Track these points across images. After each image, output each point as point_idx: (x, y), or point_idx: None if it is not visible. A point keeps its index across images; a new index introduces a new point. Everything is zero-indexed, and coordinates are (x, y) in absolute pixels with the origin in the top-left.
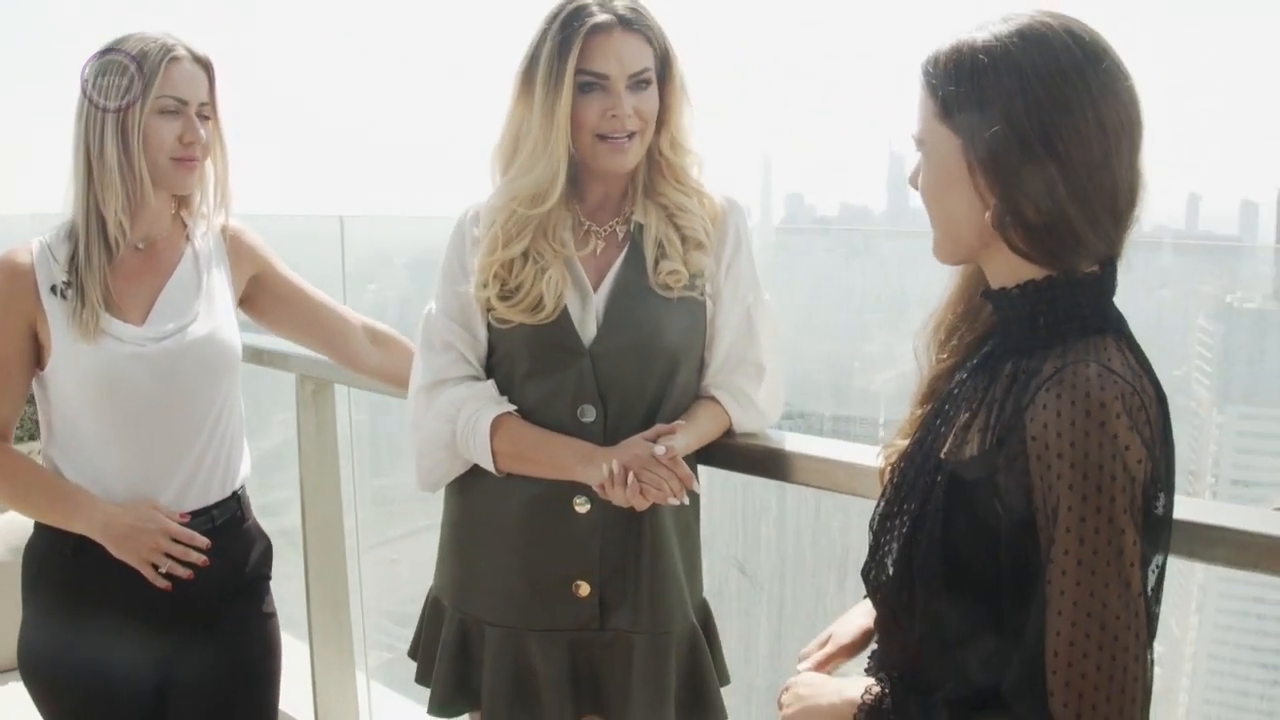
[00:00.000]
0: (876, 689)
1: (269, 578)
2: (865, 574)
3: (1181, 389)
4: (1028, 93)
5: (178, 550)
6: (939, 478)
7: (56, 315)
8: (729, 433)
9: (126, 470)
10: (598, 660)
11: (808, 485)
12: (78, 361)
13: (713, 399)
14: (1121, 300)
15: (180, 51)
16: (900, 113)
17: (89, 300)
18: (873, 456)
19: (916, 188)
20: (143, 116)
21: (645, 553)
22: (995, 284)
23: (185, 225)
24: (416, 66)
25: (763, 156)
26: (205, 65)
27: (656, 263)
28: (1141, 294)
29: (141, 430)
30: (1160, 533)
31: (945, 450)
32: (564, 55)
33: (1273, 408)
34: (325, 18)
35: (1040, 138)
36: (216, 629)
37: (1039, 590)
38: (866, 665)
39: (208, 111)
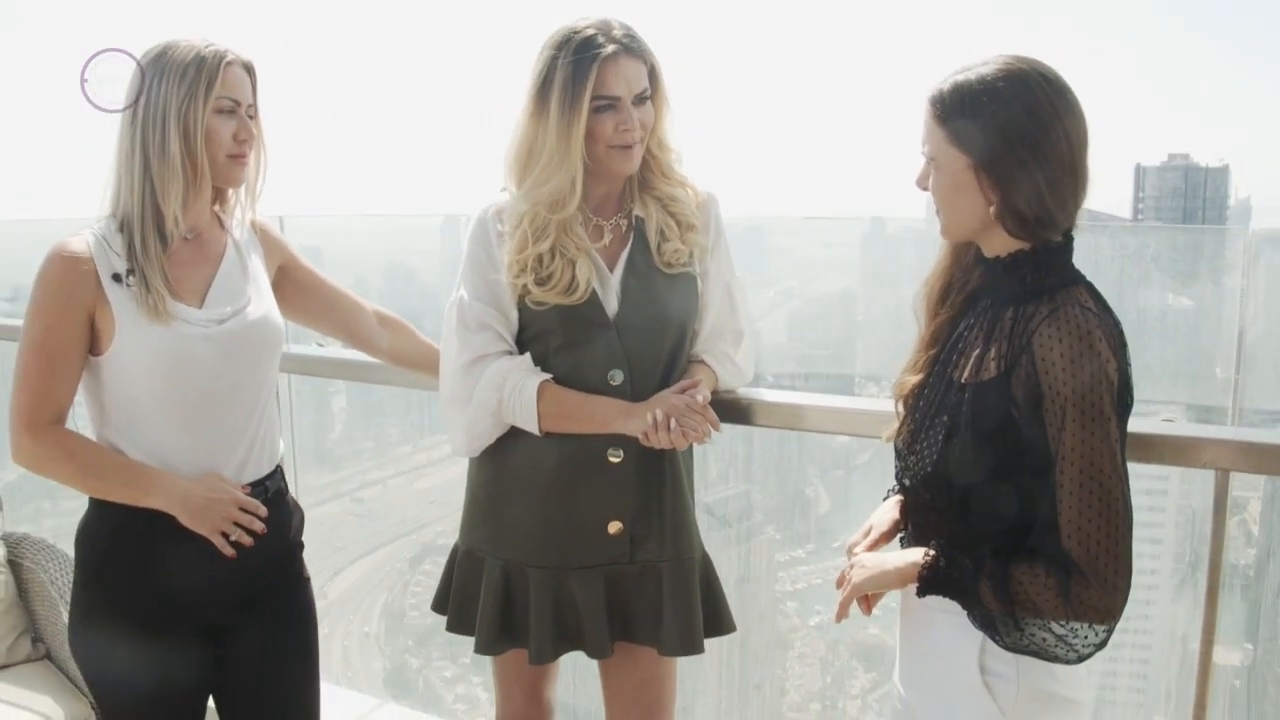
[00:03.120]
0: (934, 551)
1: (304, 545)
2: (899, 477)
3: None
4: (1018, 122)
5: (245, 519)
6: (965, 395)
7: (122, 302)
8: (714, 390)
9: (193, 447)
10: (629, 590)
11: (791, 430)
12: (149, 344)
13: (702, 362)
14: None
15: (231, 56)
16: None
17: (153, 286)
18: (845, 403)
19: (924, 189)
20: (205, 116)
21: (668, 492)
22: (990, 254)
23: (220, 218)
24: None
25: None
26: (249, 69)
27: (659, 246)
28: None
29: (208, 408)
30: (1128, 419)
31: (965, 376)
32: (579, 82)
33: None
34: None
35: (1031, 155)
36: (269, 594)
37: (1051, 464)
38: (901, 545)
39: (253, 112)
